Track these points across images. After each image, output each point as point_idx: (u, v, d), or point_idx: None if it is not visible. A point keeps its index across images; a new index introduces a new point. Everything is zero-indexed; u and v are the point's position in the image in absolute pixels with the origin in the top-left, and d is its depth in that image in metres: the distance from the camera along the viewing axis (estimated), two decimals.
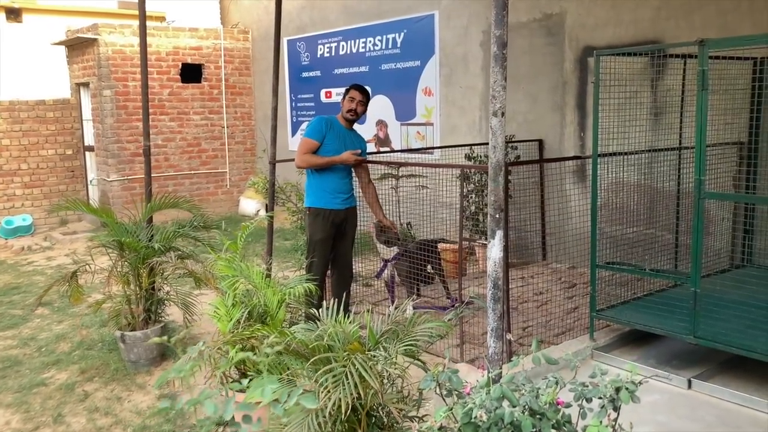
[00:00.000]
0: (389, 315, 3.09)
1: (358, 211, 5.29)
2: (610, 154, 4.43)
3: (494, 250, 2.91)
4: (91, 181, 10.76)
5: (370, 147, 8.74)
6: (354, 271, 5.45)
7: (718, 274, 4.80)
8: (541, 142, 6.84)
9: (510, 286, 5.75)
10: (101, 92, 9.87)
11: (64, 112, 10.61)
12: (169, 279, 4.72)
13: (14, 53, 12.56)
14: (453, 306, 5.41)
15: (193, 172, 10.77)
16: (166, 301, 4.79)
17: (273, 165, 5.82)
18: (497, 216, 2.94)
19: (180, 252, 4.65)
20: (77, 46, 10.44)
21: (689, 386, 3.67)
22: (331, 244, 4.93)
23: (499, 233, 2.94)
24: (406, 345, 2.74)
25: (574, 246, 5.82)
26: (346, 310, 5.29)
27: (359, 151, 4.90)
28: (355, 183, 5.20)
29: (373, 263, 6.28)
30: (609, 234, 4.97)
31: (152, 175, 10.60)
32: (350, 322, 2.74)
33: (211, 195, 10.96)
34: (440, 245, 6.59)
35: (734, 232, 5.17)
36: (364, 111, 5.04)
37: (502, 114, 2.97)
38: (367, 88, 5.16)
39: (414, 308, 5.46)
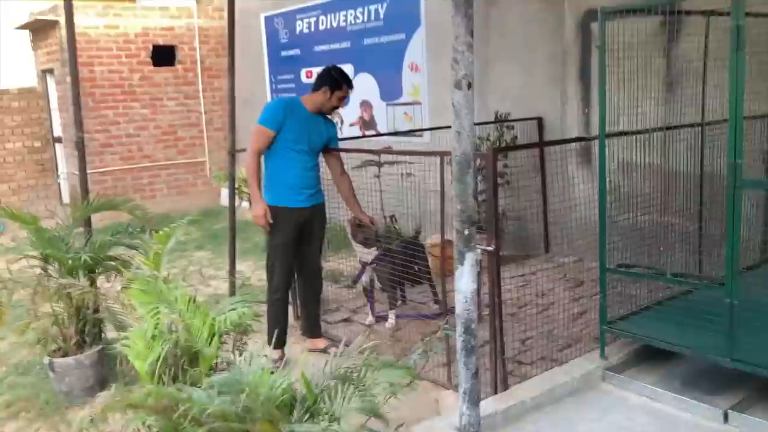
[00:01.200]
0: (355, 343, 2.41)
1: (328, 205, 4.61)
2: (620, 134, 3.69)
3: (463, 280, 2.21)
4: (58, 176, 10.06)
5: (354, 131, 8.01)
6: (324, 270, 4.77)
7: (748, 271, 4.08)
8: (540, 120, 6.10)
9: (508, 286, 5.07)
10: (65, 79, 9.13)
11: (30, 101, 9.91)
12: (106, 294, 4.04)
13: None
14: (441, 313, 4.72)
15: (169, 162, 10.07)
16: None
17: (232, 155, 5.11)
18: (466, 232, 2.23)
19: (117, 262, 3.94)
20: (40, 30, 9.71)
21: (725, 420, 2.98)
22: (295, 249, 4.25)
23: (471, 257, 2.23)
24: (361, 400, 2.06)
25: (581, 237, 5.12)
26: (316, 325, 4.57)
27: (264, 212, 4.09)
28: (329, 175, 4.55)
29: (352, 262, 5.58)
30: (619, 224, 4.27)
31: (126, 167, 9.98)
32: (277, 370, 2.05)
33: (190, 186, 10.27)
34: (428, 241, 5.90)
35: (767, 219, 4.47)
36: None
37: (469, 85, 2.26)
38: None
39: (397, 317, 4.79)
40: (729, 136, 2.96)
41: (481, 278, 3.40)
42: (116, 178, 9.63)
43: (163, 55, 9.85)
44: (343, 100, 4.28)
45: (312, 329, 4.55)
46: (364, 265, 4.76)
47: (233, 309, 2.83)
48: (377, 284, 4.68)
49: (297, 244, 4.23)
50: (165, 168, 10.04)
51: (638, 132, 3.99)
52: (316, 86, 4.21)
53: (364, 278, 4.74)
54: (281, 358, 4.21)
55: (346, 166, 4.71)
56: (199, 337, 2.68)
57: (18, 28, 10.00)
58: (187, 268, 6.98)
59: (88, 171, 9.48)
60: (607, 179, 3.49)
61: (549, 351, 4.00)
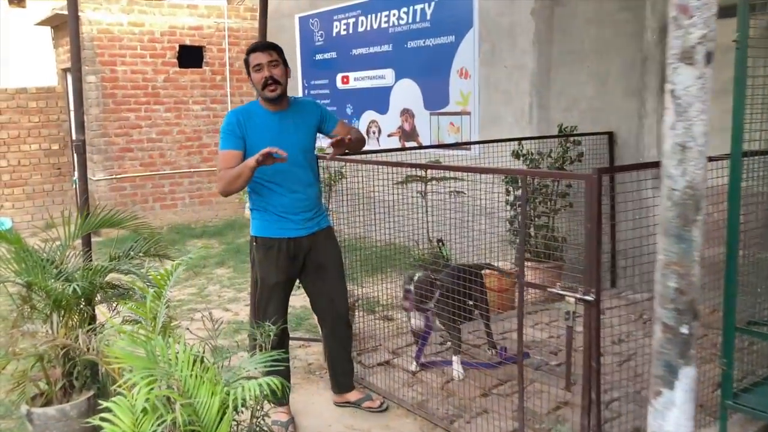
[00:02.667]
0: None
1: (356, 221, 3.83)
2: (761, 153, 2.91)
3: (672, 416, 1.34)
4: (73, 181, 9.49)
5: (393, 142, 7.30)
6: (355, 299, 3.98)
7: None
8: (611, 135, 5.32)
9: (579, 328, 4.30)
10: (85, 78, 8.57)
11: (49, 101, 9.37)
12: (101, 330, 3.33)
13: (19, 40, 11.43)
14: (504, 361, 3.95)
15: (193, 170, 9.44)
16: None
17: None
18: (684, 330, 1.33)
19: (116, 291, 3.23)
20: (61, 27, 9.17)
21: None
22: (289, 290, 3.43)
23: (688, 376, 1.34)
24: None
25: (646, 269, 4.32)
26: (346, 378, 3.57)
27: (277, 151, 3.01)
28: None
29: (389, 288, 4.83)
30: (709, 259, 3.48)
31: (146, 173, 9.39)
32: None
33: (213, 196, 9.61)
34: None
35: None
36: (286, 74, 3.25)
37: (709, 58, 1.52)
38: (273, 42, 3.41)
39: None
40: None
41: (572, 332, 2.66)
42: (135, 185, 9.02)
43: (190, 56, 9.25)
44: (263, 68, 3.14)
45: (340, 384, 3.70)
46: (420, 332, 3.94)
47: (252, 374, 2.11)
48: (437, 324, 3.86)
49: (291, 285, 3.42)
50: (188, 176, 9.42)
51: None
52: None
53: (417, 322, 3.91)
54: (290, 421, 3.42)
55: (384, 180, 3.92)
56: (206, 415, 1.96)
57: (38, 24, 9.50)
58: (205, 289, 6.29)
59: (106, 176, 8.99)
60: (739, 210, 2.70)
61: (643, 420, 3.21)
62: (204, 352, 2.24)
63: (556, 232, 5.41)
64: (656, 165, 2.75)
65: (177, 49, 9.12)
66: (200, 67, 9.36)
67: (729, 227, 2.64)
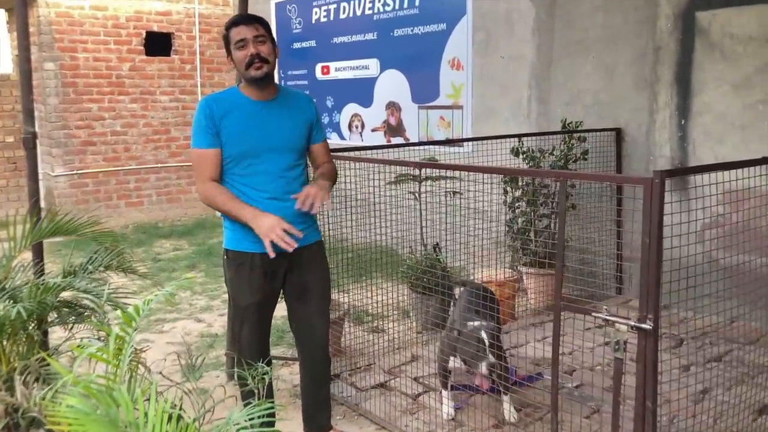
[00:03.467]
0: None
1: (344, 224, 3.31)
2: None
3: None
4: None
5: (378, 137, 6.84)
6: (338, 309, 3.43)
7: None
8: (618, 131, 4.94)
9: (588, 343, 3.90)
10: (43, 65, 7.93)
11: (2, 90, 8.69)
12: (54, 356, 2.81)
13: None
14: (521, 381, 3.52)
15: (160, 165, 8.85)
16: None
17: None
18: None
19: (72, 310, 2.71)
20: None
21: None
22: (269, 311, 2.90)
23: None
24: None
25: (668, 278, 3.97)
26: (320, 414, 2.98)
27: (285, 226, 2.55)
28: None
29: (379, 295, 4.38)
30: (722, 264, 3.11)
31: (110, 168, 8.79)
32: None
33: (182, 193, 9.05)
34: (480, 275, 4.72)
35: None
36: (275, 53, 2.71)
37: None
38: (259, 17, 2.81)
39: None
40: None
41: (622, 366, 2.24)
42: (99, 181, 8.41)
43: (158, 44, 8.66)
44: (247, 44, 2.61)
45: (314, 421, 3.11)
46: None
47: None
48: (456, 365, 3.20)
49: (269, 306, 2.89)
50: (155, 171, 8.82)
51: None
52: None
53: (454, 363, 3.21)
54: None
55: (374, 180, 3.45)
56: None
57: None
58: (174, 296, 5.75)
59: (66, 172, 8.36)
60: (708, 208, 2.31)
61: None
62: (181, 401, 1.76)
63: (557, 236, 5.01)
64: (733, 165, 2.31)
65: (143, 35, 8.52)
66: (168, 55, 8.77)
67: None
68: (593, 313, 2.23)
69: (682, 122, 4.54)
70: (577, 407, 3.23)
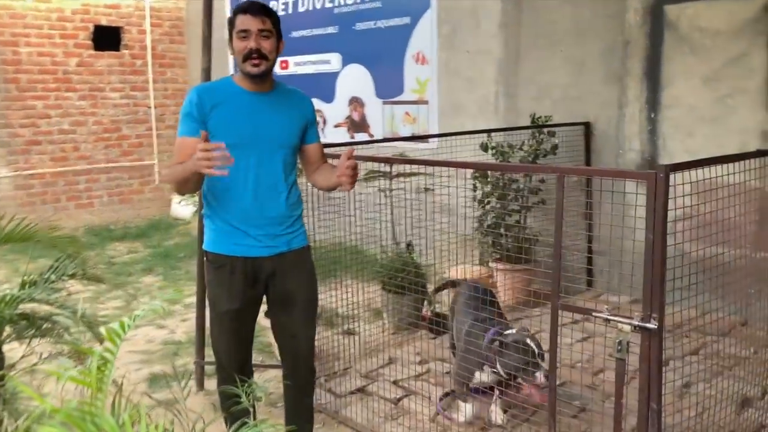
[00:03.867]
0: None
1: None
2: None
3: None
4: None
5: (341, 133, 6.69)
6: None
7: None
8: (588, 125, 4.92)
9: (567, 339, 3.85)
10: None
11: None
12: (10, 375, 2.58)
13: None
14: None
15: (111, 164, 8.49)
16: None
17: None
18: None
19: (26, 324, 2.48)
20: None
21: None
22: (251, 318, 2.72)
23: None
24: None
25: (639, 271, 3.96)
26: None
27: (212, 146, 2.26)
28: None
29: (350, 295, 4.25)
30: (691, 257, 3.10)
31: (58, 169, 8.39)
32: None
33: (135, 194, 8.71)
34: (452, 273, 4.63)
35: None
36: (278, 49, 2.56)
37: None
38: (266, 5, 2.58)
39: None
40: None
41: (625, 367, 2.16)
42: (46, 182, 8.01)
43: (107, 38, 8.29)
44: (250, 36, 2.45)
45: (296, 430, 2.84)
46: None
47: None
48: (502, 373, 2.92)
49: (250, 314, 2.70)
50: (106, 171, 8.45)
51: None
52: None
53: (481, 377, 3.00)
54: None
55: None
56: None
57: None
58: (133, 301, 5.50)
59: (10, 173, 7.93)
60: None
61: None
62: (172, 424, 1.61)
63: (527, 231, 4.97)
64: (732, 159, 2.25)
65: (91, 29, 8.14)
66: (118, 50, 8.41)
67: None
68: (594, 313, 2.15)
69: (652, 116, 4.54)
70: (564, 406, 3.17)
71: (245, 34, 2.47)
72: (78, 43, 8.06)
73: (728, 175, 2.24)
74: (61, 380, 1.33)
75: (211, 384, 3.65)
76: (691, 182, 2.19)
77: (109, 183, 8.50)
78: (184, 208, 8.37)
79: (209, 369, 3.81)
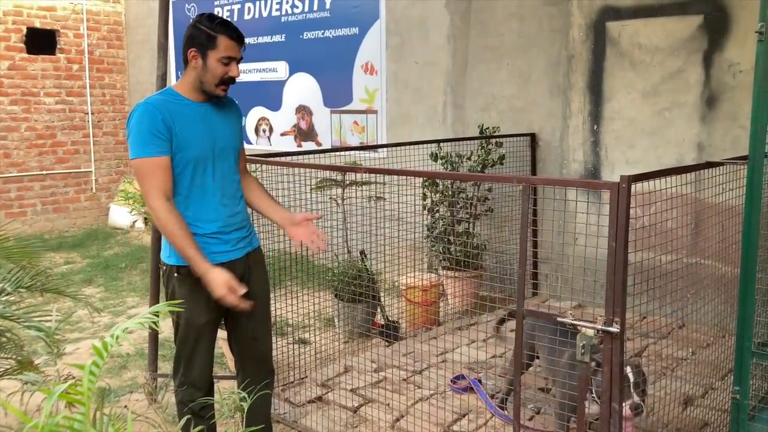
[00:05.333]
0: None
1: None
2: None
3: None
4: None
5: (288, 141, 6.68)
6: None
7: None
8: (533, 136, 5.08)
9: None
10: None
11: None
12: None
13: None
14: (455, 390, 3.49)
15: (45, 172, 8.17)
16: None
17: None
18: None
19: None
20: None
21: None
22: (218, 326, 2.72)
23: None
24: None
25: (582, 277, 4.13)
26: None
27: (233, 285, 2.41)
28: None
29: (304, 304, 4.24)
30: (635, 264, 3.27)
31: None
32: None
33: (70, 202, 8.41)
34: (405, 280, 4.68)
35: None
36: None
37: None
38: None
39: None
40: None
41: (589, 370, 2.24)
42: None
43: (41, 41, 8.00)
44: (233, 62, 2.49)
45: None
46: None
47: None
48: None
49: (219, 323, 2.71)
50: (39, 179, 8.14)
51: None
52: (185, 57, 2.52)
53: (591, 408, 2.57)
54: None
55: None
56: None
57: None
58: (73, 314, 5.30)
59: None
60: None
61: None
62: None
63: (475, 238, 5.08)
64: (688, 169, 2.37)
65: (24, 32, 7.84)
66: (53, 53, 8.13)
67: (745, 237, 2.36)
68: (558, 319, 2.23)
69: (595, 127, 4.72)
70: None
71: (228, 60, 2.47)
72: (9, 46, 7.75)
73: (674, 187, 2.37)
74: (53, 398, 1.29)
75: (167, 398, 3.57)
76: (644, 193, 2.30)
77: (43, 191, 8.18)
78: (121, 215, 8.15)
79: (160, 382, 3.72)
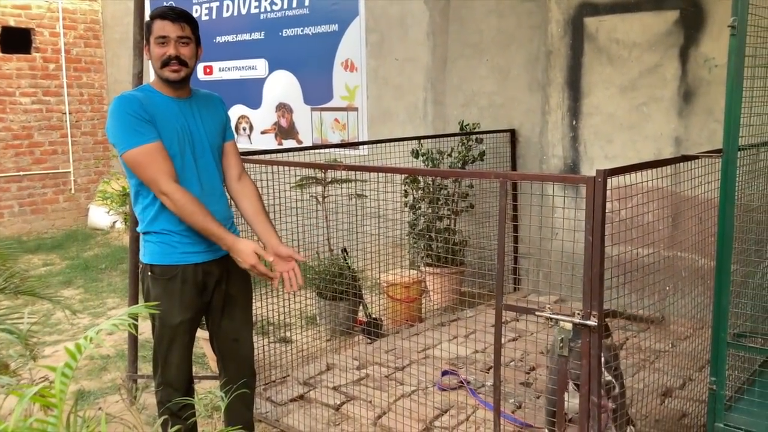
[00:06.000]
0: None
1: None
2: (759, 146, 2.66)
3: None
4: None
5: (268, 140, 6.65)
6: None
7: None
8: (513, 132, 5.09)
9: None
10: None
11: None
12: None
13: None
14: (441, 388, 3.50)
15: (23, 173, 8.07)
16: None
17: None
18: None
19: None
20: None
21: None
22: (197, 326, 2.69)
23: None
24: None
25: (562, 272, 4.17)
26: None
27: (261, 252, 2.47)
28: None
29: (286, 303, 4.22)
30: (614, 258, 3.30)
31: None
32: None
33: (49, 203, 8.31)
34: (386, 277, 4.69)
35: None
36: (197, 54, 2.54)
37: None
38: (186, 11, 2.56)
39: None
40: None
41: (566, 364, 2.26)
42: None
43: (16, 40, 7.88)
44: (168, 43, 2.42)
45: None
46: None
47: None
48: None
49: (197, 322, 2.69)
50: (16, 180, 8.03)
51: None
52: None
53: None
54: None
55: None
56: None
57: None
58: (52, 316, 5.25)
59: None
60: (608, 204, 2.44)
61: None
62: None
63: (456, 234, 5.10)
64: (664, 163, 2.37)
65: None
66: (29, 52, 8.02)
67: (720, 229, 2.38)
68: (537, 313, 2.24)
69: (574, 123, 4.75)
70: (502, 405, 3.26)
71: (163, 40, 2.44)
72: None
73: (652, 180, 2.39)
74: (23, 400, 1.27)
75: (145, 399, 3.54)
76: (620, 187, 2.32)
77: (21, 192, 8.07)
78: (101, 216, 8.07)
79: (140, 383, 3.69)
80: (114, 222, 8.06)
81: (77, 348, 1.40)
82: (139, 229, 2.59)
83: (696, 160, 2.63)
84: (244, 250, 2.41)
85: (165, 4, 7.42)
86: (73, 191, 8.47)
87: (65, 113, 8.33)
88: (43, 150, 8.21)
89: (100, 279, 6.29)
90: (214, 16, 7.03)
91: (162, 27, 2.43)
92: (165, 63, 2.44)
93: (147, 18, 2.54)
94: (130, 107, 2.38)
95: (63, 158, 8.38)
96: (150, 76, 7.82)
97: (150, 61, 2.50)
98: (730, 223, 2.35)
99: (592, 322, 2.13)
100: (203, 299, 2.61)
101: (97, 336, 1.43)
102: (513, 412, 3.24)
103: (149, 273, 2.54)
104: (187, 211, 2.38)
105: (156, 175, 2.37)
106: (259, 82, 6.67)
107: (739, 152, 2.33)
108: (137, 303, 3.59)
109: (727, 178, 2.34)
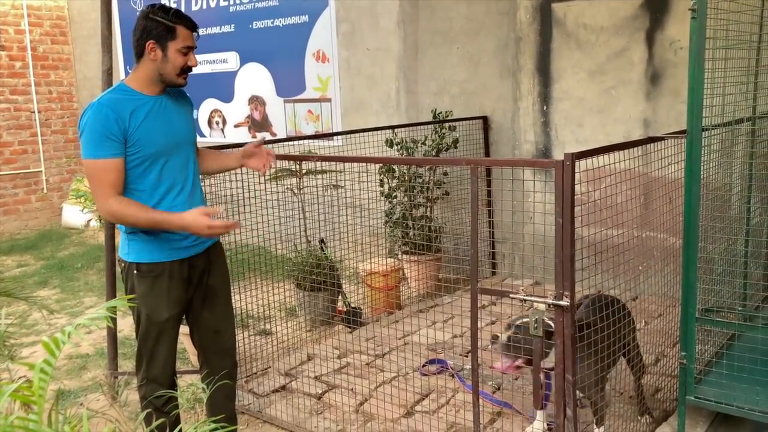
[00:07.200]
0: None
1: None
2: (721, 126, 2.72)
3: None
4: None
5: (242, 133, 6.63)
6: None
7: None
8: (485, 119, 5.14)
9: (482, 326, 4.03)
10: None
11: None
12: None
13: None
14: (422, 373, 3.55)
15: None
16: None
17: None
18: None
19: None
20: None
21: None
22: (181, 321, 2.72)
23: None
24: None
25: (536, 255, 4.24)
26: None
27: (209, 211, 2.43)
28: None
29: (264, 296, 4.24)
30: (586, 239, 3.37)
31: None
32: None
33: (21, 203, 8.20)
34: (366, 266, 4.72)
35: None
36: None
37: None
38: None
39: None
40: None
41: (542, 344, 2.31)
42: None
43: None
44: (190, 53, 2.48)
45: None
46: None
47: None
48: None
49: (182, 317, 2.71)
50: None
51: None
52: (139, 50, 2.47)
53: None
54: None
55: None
56: None
57: None
58: (28, 316, 5.20)
59: None
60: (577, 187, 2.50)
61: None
62: None
63: (433, 222, 5.14)
64: (631, 145, 2.41)
65: None
66: None
67: (687, 207, 2.44)
68: (511, 295, 2.29)
69: (544, 108, 4.80)
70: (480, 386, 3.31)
71: (187, 50, 2.48)
72: None
73: (619, 162, 2.44)
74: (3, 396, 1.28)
75: (127, 395, 3.54)
76: (590, 170, 2.37)
77: None
78: (75, 215, 7.98)
79: (121, 380, 3.69)
80: (89, 220, 7.99)
81: (54, 342, 1.41)
82: (122, 228, 2.58)
83: (664, 141, 2.68)
84: (194, 221, 2.39)
85: (133, 1, 7.34)
86: (45, 191, 8.36)
87: (34, 112, 8.21)
88: (12, 150, 8.08)
89: (76, 278, 6.23)
90: (183, 9, 6.91)
91: (188, 36, 2.48)
92: (184, 71, 2.50)
93: (145, 18, 2.48)
94: (104, 121, 2.36)
95: (34, 158, 8.27)
96: (120, 73, 7.70)
97: (156, 62, 2.46)
98: (696, 200, 2.42)
99: (565, 302, 2.19)
100: (189, 293, 2.63)
101: (74, 330, 1.44)
102: (493, 393, 3.30)
103: (135, 271, 2.53)
104: (127, 216, 2.40)
105: (99, 190, 2.39)
106: (231, 76, 6.63)
107: (703, 132, 2.39)
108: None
109: (692, 158, 2.40)
